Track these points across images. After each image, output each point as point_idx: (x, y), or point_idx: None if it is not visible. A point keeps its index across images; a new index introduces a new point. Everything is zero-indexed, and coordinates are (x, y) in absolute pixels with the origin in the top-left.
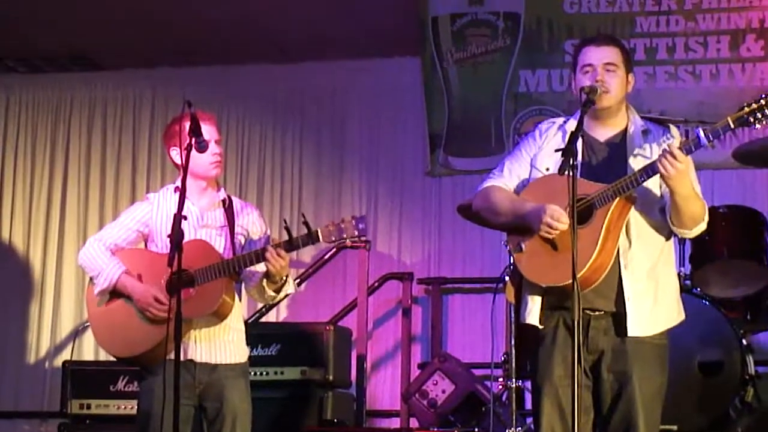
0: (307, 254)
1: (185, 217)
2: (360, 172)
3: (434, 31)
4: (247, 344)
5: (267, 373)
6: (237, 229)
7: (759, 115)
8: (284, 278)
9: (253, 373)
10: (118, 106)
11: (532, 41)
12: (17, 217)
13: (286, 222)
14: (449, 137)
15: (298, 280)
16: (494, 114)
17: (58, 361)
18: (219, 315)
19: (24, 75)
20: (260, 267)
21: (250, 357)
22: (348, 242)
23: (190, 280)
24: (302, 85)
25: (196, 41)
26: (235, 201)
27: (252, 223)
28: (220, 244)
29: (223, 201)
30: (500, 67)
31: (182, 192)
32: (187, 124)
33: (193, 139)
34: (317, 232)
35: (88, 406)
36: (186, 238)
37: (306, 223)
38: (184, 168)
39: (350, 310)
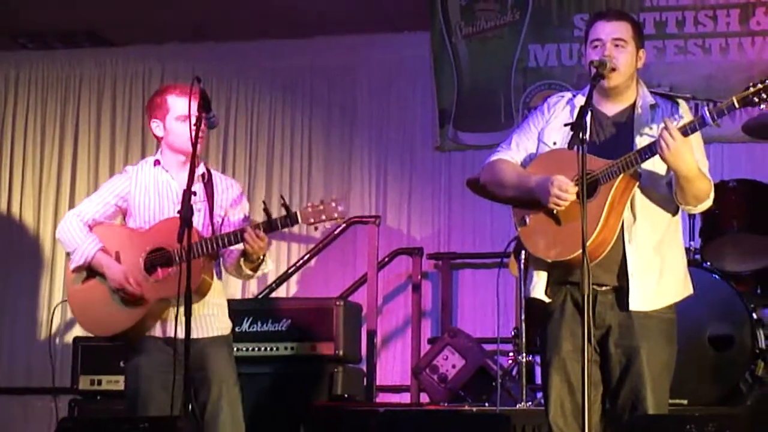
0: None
1: (194, 193)
2: (369, 147)
3: (443, 6)
4: (231, 318)
5: (277, 349)
6: (217, 202)
7: (765, 95)
8: (261, 258)
9: (263, 348)
10: (127, 82)
11: (541, 15)
12: (27, 194)
13: (265, 203)
14: (459, 112)
15: (308, 256)
16: (504, 89)
17: (69, 338)
18: (199, 293)
19: (33, 52)
20: (239, 245)
21: (233, 330)
22: (328, 224)
23: (169, 259)
24: (311, 61)
25: (205, 17)
26: (216, 175)
27: (232, 199)
28: (198, 220)
29: (203, 175)
30: (509, 41)
31: (191, 167)
32: (168, 97)
33: (204, 115)
34: (296, 213)
35: (99, 382)
36: (165, 215)
37: (285, 205)
38: (194, 145)
39: (360, 285)
